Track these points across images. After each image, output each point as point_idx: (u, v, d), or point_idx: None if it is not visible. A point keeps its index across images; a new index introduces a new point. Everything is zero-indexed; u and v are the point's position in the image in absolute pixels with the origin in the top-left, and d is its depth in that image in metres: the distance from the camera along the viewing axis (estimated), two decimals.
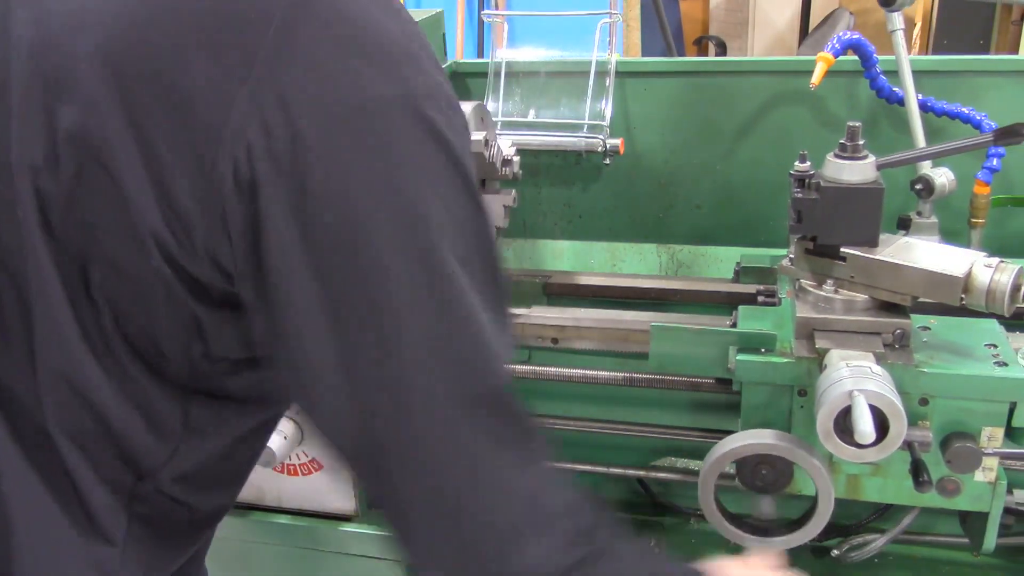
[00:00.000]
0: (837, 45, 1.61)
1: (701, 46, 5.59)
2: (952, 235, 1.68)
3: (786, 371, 1.31)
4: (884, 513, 1.54)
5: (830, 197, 1.27)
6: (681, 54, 4.85)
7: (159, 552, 0.89)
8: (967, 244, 1.68)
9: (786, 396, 1.33)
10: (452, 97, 0.76)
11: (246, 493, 1.67)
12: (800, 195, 1.29)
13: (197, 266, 0.73)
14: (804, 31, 5.70)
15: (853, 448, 1.17)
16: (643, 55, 3.97)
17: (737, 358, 1.33)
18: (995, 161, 1.63)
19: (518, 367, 1.60)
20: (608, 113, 1.91)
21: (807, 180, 1.29)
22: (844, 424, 1.15)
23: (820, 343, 1.27)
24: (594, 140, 1.90)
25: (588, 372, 1.56)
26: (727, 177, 1.92)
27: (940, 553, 1.63)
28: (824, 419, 1.17)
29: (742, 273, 1.70)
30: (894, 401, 1.15)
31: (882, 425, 1.16)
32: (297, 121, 0.67)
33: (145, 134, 0.70)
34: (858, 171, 1.27)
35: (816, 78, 1.58)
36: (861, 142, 1.28)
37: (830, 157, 1.29)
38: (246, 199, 0.68)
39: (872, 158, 1.29)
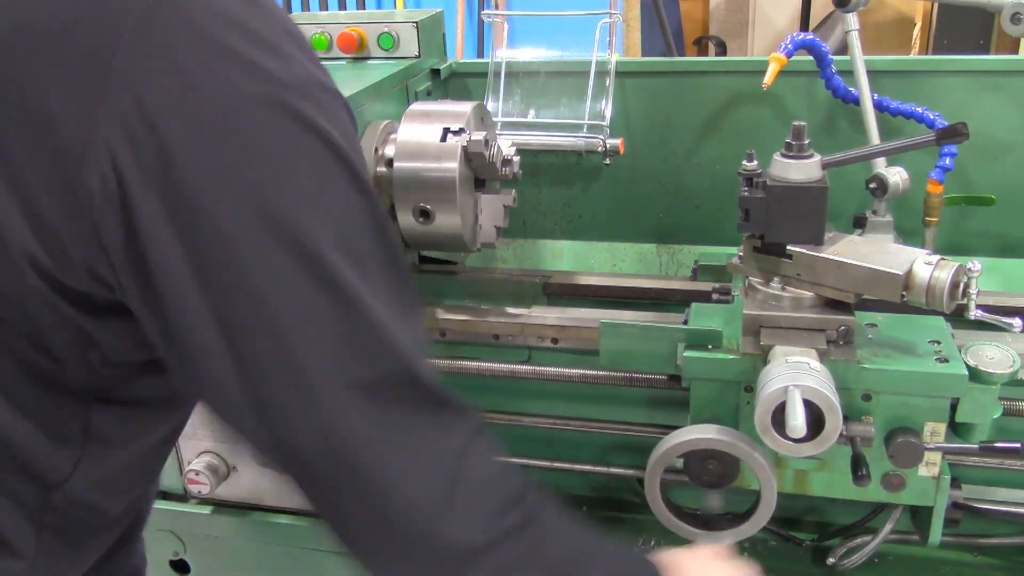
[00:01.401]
0: (790, 45, 1.62)
1: (701, 46, 5.59)
2: (911, 234, 1.70)
3: (732, 367, 1.33)
4: (880, 513, 1.54)
5: (776, 195, 1.28)
6: (681, 54, 4.86)
7: (73, 556, 0.88)
8: (922, 242, 1.70)
9: (733, 392, 1.35)
10: (327, 85, 0.74)
11: (246, 493, 1.67)
12: (747, 194, 1.30)
13: (76, 280, 0.72)
14: (804, 31, 5.69)
15: (791, 443, 1.19)
16: (643, 55, 3.98)
17: (684, 355, 1.35)
18: (948, 160, 1.65)
19: (518, 367, 1.60)
20: (608, 113, 1.91)
21: (754, 179, 1.31)
22: (782, 419, 1.17)
23: (765, 340, 1.29)
24: (594, 140, 1.90)
25: (588, 372, 1.56)
26: (727, 177, 1.92)
27: (940, 553, 1.63)
28: (762, 414, 1.19)
29: (699, 271, 1.71)
30: (829, 396, 1.16)
31: (819, 420, 1.18)
32: (161, 129, 0.65)
33: (5, 154, 0.68)
34: (803, 170, 1.28)
35: (768, 78, 1.59)
36: (807, 141, 1.29)
37: (776, 156, 1.31)
38: (118, 211, 0.67)
39: (818, 157, 1.30)
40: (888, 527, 1.46)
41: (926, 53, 4.71)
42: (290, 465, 0.74)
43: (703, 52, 5.52)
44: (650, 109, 1.94)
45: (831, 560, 1.54)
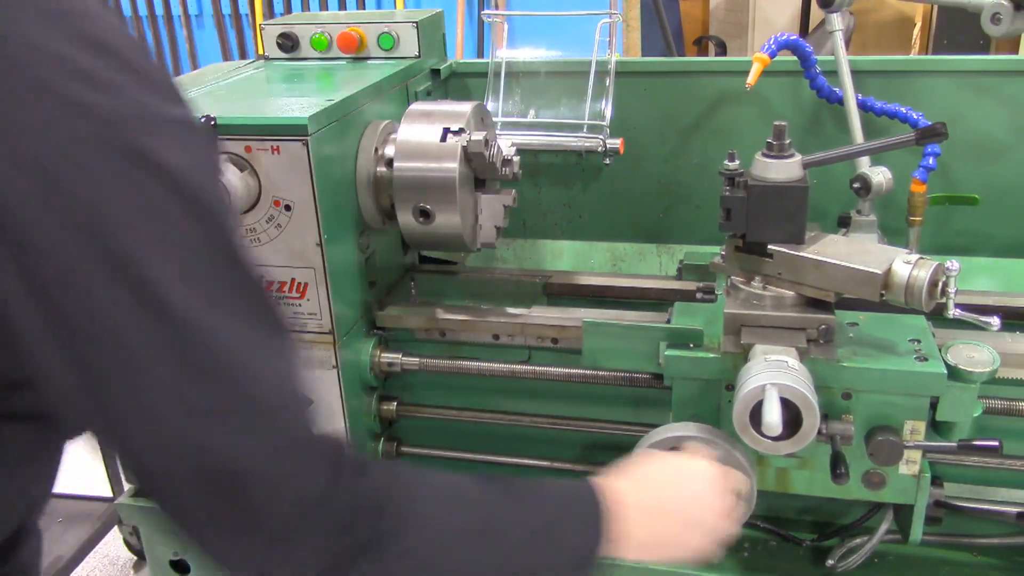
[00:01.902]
0: (773, 46, 1.63)
1: (701, 46, 5.59)
2: (897, 233, 1.70)
3: (713, 366, 1.34)
4: (878, 511, 1.54)
5: (757, 195, 1.29)
6: (681, 54, 4.85)
7: None
8: (906, 242, 1.70)
9: (714, 390, 1.35)
10: (167, 115, 0.75)
11: None
12: (728, 193, 1.31)
13: None
14: (804, 31, 5.70)
15: (768, 440, 1.19)
16: (643, 55, 3.98)
17: (665, 353, 1.36)
18: (931, 160, 1.66)
19: (518, 367, 1.60)
20: (608, 113, 1.91)
21: (735, 178, 1.32)
22: (761, 417, 1.17)
23: (746, 338, 1.30)
24: (594, 140, 1.90)
25: (588, 372, 1.56)
26: None
27: (939, 553, 1.63)
28: (740, 412, 1.20)
29: (684, 270, 1.72)
30: (807, 395, 1.17)
31: (797, 419, 1.18)
32: None
33: None
34: (784, 169, 1.29)
35: (752, 78, 1.60)
36: (787, 141, 1.30)
37: (758, 156, 1.32)
38: None
39: (798, 156, 1.31)
40: (884, 527, 1.46)
41: (926, 53, 4.71)
42: (143, 478, 0.76)
43: (703, 52, 5.52)
44: (650, 109, 1.95)
45: (830, 562, 1.54)
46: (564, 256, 2.09)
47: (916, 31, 5.00)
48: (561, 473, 1.70)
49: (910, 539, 1.39)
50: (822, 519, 1.69)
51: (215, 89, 1.67)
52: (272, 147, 1.41)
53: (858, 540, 1.55)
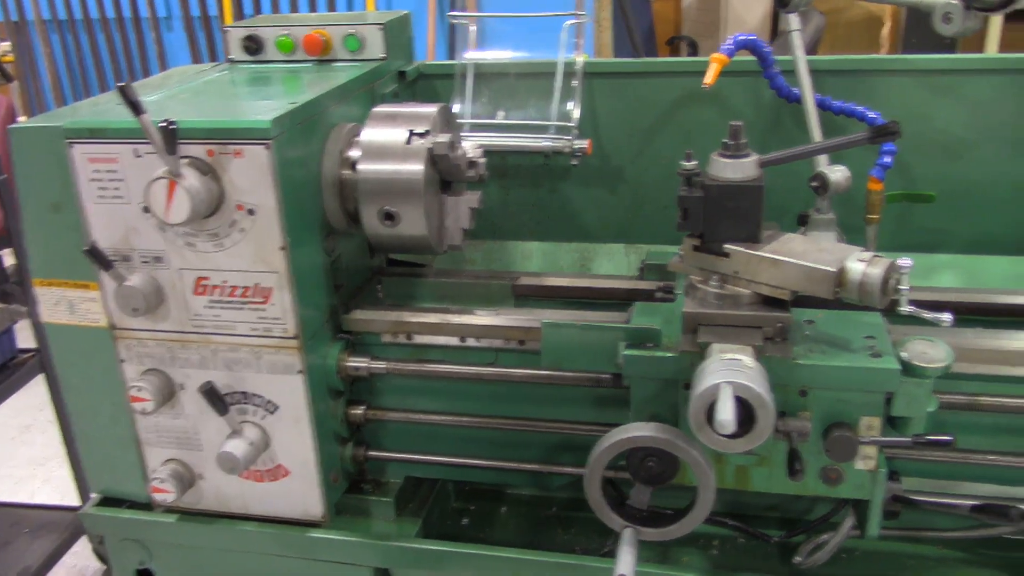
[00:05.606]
0: (731, 45, 1.64)
1: (673, 46, 5.62)
2: (858, 231, 1.73)
3: (670, 365, 1.35)
4: (844, 507, 1.55)
5: (713, 194, 1.31)
6: (653, 54, 4.87)
7: None
8: (865, 239, 1.72)
9: (673, 390, 1.36)
10: None
11: (212, 501, 1.65)
12: (685, 193, 1.32)
13: None
14: (775, 31, 5.75)
15: (724, 438, 1.20)
16: (615, 55, 3.99)
17: (623, 353, 1.37)
18: (887, 158, 1.68)
19: (484, 369, 1.60)
20: (576, 114, 1.91)
21: (692, 178, 1.33)
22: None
23: (703, 337, 1.31)
24: (561, 141, 1.90)
25: (554, 373, 1.56)
26: None
27: (904, 547, 1.64)
28: (696, 411, 1.21)
29: (646, 270, 1.73)
30: (760, 393, 1.18)
31: (752, 416, 1.20)
32: None
33: None
34: (740, 169, 1.31)
35: (709, 78, 1.61)
36: (743, 141, 1.31)
37: (714, 156, 1.33)
38: None
39: (754, 156, 1.32)
40: (848, 523, 1.47)
41: (895, 53, 4.76)
42: None
43: (675, 52, 5.55)
44: (618, 110, 1.95)
45: (797, 559, 1.55)
46: (533, 257, 2.09)
47: (885, 31, 5.05)
48: (536, 476, 1.70)
49: (867, 533, 1.40)
50: (789, 516, 1.70)
51: (178, 92, 1.66)
52: (234, 151, 1.39)
53: (824, 536, 1.56)
